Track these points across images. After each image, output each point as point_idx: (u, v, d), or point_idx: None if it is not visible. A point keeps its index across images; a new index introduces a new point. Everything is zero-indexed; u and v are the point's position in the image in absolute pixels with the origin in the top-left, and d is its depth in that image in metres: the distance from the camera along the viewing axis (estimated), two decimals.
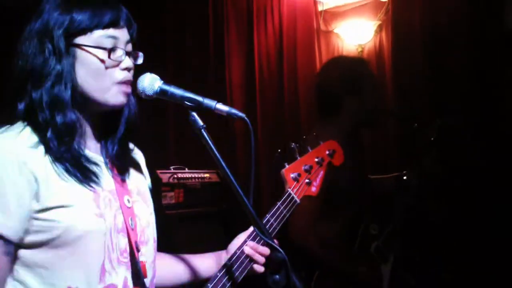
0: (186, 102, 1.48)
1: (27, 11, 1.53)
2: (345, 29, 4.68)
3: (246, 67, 5.00)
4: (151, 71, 1.53)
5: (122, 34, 1.51)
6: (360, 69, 3.03)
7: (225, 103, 1.49)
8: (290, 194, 1.88)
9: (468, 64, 3.72)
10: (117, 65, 1.49)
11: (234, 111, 1.47)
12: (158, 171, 3.86)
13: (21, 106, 1.45)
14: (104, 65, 1.46)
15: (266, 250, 1.71)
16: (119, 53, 1.48)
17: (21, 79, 1.45)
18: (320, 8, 4.75)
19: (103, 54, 1.46)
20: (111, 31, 1.47)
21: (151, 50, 1.62)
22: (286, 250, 1.44)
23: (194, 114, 1.47)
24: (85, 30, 1.45)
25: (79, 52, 1.45)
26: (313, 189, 1.97)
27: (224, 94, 4.94)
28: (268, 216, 1.81)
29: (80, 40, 1.45)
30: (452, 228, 3.55)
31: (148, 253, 1.60)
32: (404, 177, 3.06)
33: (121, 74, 1.49)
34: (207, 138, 1.46)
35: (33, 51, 1.45)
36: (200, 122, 1.47)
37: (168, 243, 1.78)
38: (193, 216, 4.05)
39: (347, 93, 2.92)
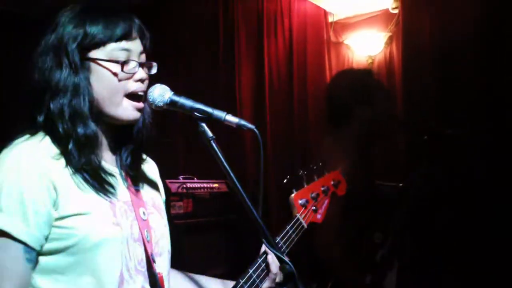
0: (196, 113, 1.48)
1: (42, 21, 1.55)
2: (355, 40, 4.68)
3: (256, 78, 5.02)
4: (161, 82, 1.54)
5: (135, 46, 1.52)
6: (369, 79, 3.07)
7: (234, 114, 1.50)
8: (298, 219, 1.94)
9: (478, 75, 3.71)
10: (131, 77, 1.50)
11: (243, 122, 1.48)
12: (167, 181, 3.86)
13: (40, 118, 1.47)
14: (117, 78, 1.48)
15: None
16: (132, 65, 1.50)
17: (39, 92, 1.47)
18: (330, 19, 4.77)
19: (116, 67, 1.48)
20: (123, 44, 1.49)
21: (161, 61, 1.62)
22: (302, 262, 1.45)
23: (204, 125, 1.48)
24: (99, 44, 1.47)
25: (93, 65, 1.47)
26: (318, 216, 2.05)
27: (234, 105, 4.95)
28: (278, 238, 1.84)
29: (93, 54, 1.47)
30: (454, 232, 3.54)
31: (163, 264, 1.61)
32: (401, 184, 3.07)
33: (134, 86, 1.51)
34: (217, 149, 1.46)
35: (49, 64, 1.47)
36: (210, 133, 1.47)
37: (177, 253, 1.78)
38: (201, 226, 4.06)
39: (357, 102, 2.94)
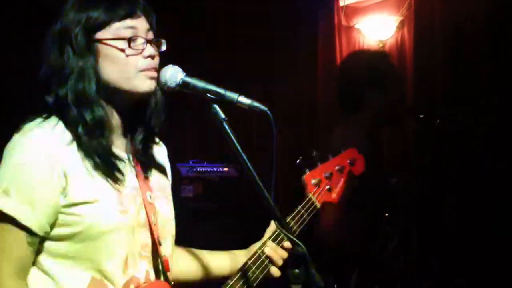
0: (208, 95, 1.47)
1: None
2: (367, 25, 4.65)
3: (267, 61, 4.99)
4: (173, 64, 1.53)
5: (141, 23, 1.51)
6: (382, 61, 2.97)
7: (245, 96, 1.48)
8: (310, 199, 1.90)
9: (489, 59, 3.68)
10: (140, 53, 1.48)
11: (256, 104, 1.46)
12: (178, 164, 3.87)
13: (51, 103, 1.47)
14: (124, 54, 1.46)
15: (285, 254, 1.72)
16: (139, 41, 1.48)
17: (47, 80, 1.48)
18: (341, 3, 4.73)
19: (123, 44, 1.46)
20: (128, 22, 1.48)
21: (170, 43, 1.61)
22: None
23: (216, 106, 1.47)
24: (103, 24, 1.46)
25: (100, 46, 1.46)
26: (334, 195, 1.99)
27: (241, 89, 4.91)
28: (288, 218, 1.81)
29: (99, 35, 1.46)
30: (463, 230, 3.53)
31: (167, 248, 1.61)
32: (394, 180, 3.03)
33: (144, 62, 1.49)
34: (229, 131, 1.45)
35: (54, 52, 1.47)
36: (222, 115, 1.46)
37: (186, 236, 1.78)
38: (211, 210, 4.07)
39: (369, 85, 2.84)
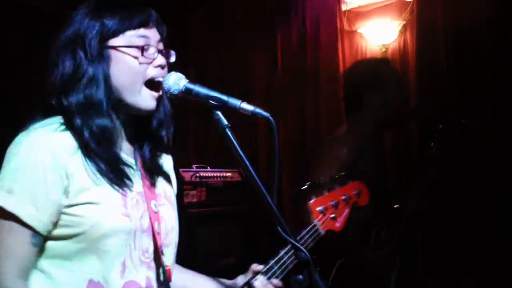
0: (211, 101, 1.48)
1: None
2: (369, 29, 4.64)
3: (269, 66, 4.99)
4: (176, 70, 1.54)
5: (153, 34, 1.55)
6: (383, 68, 3.11)
7: (248, 103, 1.49)
8: (315, 225, 1.95)
9: (492, 63, 3.67)
10: (150, 63, 1.52)
11: (258, 110, 1.47)
12: (181, 170, 3.87)
13: (58, 107, 1.49)
14: (137, 61, 1.50)
15: None
16: (151, 50, 1.52)
17: (57, 84, 1.49)
18: (344, 7, 4.72)
19: (136, 52, 1.50)
20: (141, 31, 1.52)
21: (174, 50, 1.63)
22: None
23: (219, 113, 1.48)
24: (117, 32, 1.49)
25: (113, 53, 1.49)
26: (337, 224, 2.03)
27: (247, 93, 4.94)
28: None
29: (113, 42, 1.50)
30: (471, 231, 3.53)
31: (169, 256, 1.62)
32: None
33: (154, 71, 1.53)
34: (232, 137, 1.46)
35: (65, 57, 1.49)
36: (225, 121, 1.47)
37: (189, 241, 1.78)
38: (214, 215, 4.06)
39: (369, 89, 2.99)
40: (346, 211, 2.06)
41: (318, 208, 1.97)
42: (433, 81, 4.04)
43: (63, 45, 1.51)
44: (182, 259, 1.78)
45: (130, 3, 1.55)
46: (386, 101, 2.99)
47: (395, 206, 3.04)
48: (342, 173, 2.12)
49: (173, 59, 1.60)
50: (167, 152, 1.74)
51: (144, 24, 1.53)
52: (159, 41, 1.57)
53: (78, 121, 1.45)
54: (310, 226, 1.93)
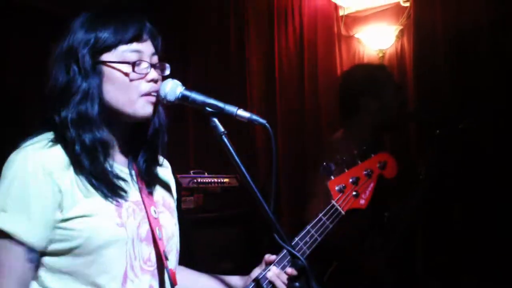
0: (207, 108, 1.48)
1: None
2: (366, 34, 4.65)
3: (267, 71, 5.00)
4: (173, 77, 1.54)
5: (146, 47, 1.54)
6: (380, 72, 3.13)
7: (245, 109, 1.49)
8: (333, 205, 1.87)
9: (490, 68, 3.68)
10: (143, 78, 1.51)
11: (255, 117, 1.47)
12: (178, 176, 3.87)
13: (51, 122, 1.48)
14: (128, 78, 1.49)
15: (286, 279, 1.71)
16: (143, 65, 1.51)
17: (51, 98, 1.49)
18: (341, 12, 4.74)
19: (127, 68, 1.49)
20: (134, 45, 1.50)
21: (172, 56, 1.63)
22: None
23: (215, 120, 1.48)
24: (110, 47, 1.48)
25: (105, 68, 1.48)
26: (362, 201, 1.94)
27: (244, 99, 4.94)
28: (308, 227, 1.80)
29: (105, 57, 1.49)
30: (471, 230, 3.53)
31: (172, 262, 1.62)
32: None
33: (147, 86, 1.52)
34: (228, 144, 1.46)
35: (60, 71, 1.49)
36: (221, 128, 1.47)
37: (187, 247, 1.78)
38: (212, 221, 4.06)
39: (366, 93, 2.98)
40: (371, 185, 1.96)
41: (336, 187, 1.88)
42: (430, 85, 4.04)
43: (58, 58, 1.51)
44: (180, 264, 1.77)
45: (125, 13, 1.53)
46: (383, 105, 2.99)
47: (385, 214, 3.02)
48: (364, 148, 2.02)
49: (167, 72, 1.58)
50: (162, 161, 1.73)
51: (137, 38, 1.51)
52: (153, 54, 1.55)
53: (70, 135, 1.45)
54: (328, 207, 1.85)
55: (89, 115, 1.46)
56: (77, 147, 1.44)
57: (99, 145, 1.47)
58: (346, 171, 1.93)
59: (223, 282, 1.80)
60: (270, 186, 1.56)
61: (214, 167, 4.26)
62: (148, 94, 1.51)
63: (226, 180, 4.22)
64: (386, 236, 2.95)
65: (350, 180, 1.92)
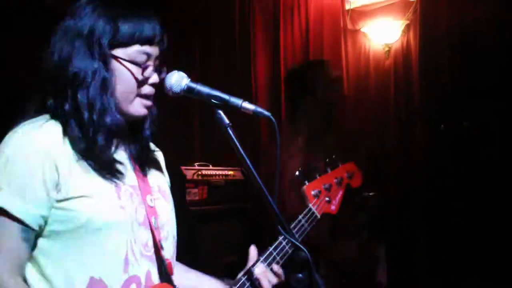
0: (213, 100, 1.49)
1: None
2: (372, 28, 4.65)
3: (272, 65, 5.00)
4: (179, 69, 1.55)
5: (155, 51, 1.54)
6: (311, 70, 3.25)
7: (250, 102, 1.50)
8: (311, 209, 1.96)
9: (495, 63, 3.67)
10: (146, 81, 1.53)
11: (260, 109, 1.48)
12: (183, 168, 3.88)
13: (65, 106, 1.47)
14: (134, 79, 1.50)
15: (273, 278, 1.73)
16: (149, 69, 1.53)
17: (60, 77, 1.48)
18: (347, 6, 4.73)
19: (137, 70, 1.50)
20: (146, 48, 1.51)
21: (178, 49, 1.63)
22: None
23: (220, 112, 1.48)
24: (125, 43, 1.49)
25: (114, 63, 1.49)
26: (332, 207, 2.07)
27: (250, 93, 4.94)
28: (290, 227, 1.83)
29: (117, 52, 1.49)
30: (472, 231, 3.54)
31: (168, 249, 1.61)
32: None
33: (147, 89, 1.54)
34: (233, 136, 1.47)
35: (78, 53, 1.47)
36: (226, 120, 1.48)
37: (191, 239, 1.79)
38: (216, 213, 4.07)
39: (301, 93, 3.16)
40: (340, 193, 2.10)
41: (312, 192, 2.00)
42: (436, 80, 4.04)
43: (70, 37, 1.49)
44: (184, 257, 1.78)
45: (144, 9, 1.53)
46: (322, 101, 3.15)
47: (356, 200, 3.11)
48: (333, 157, 2.14)
49: (163, 75, 1.57)
50: (154, 147, 1.75)
51: (151, 41, 1.52)
52: (157, 58, 1.56)
53: (87, 120, 1.45)
54: (306, 210, 1.95)
55: (108, 102, 1.47)
56: (92, 131, 1.45)
57: (118, 128, 1.49)
58: (318, 177, 2.05)
59: (223, 285, 1.81)
60: (274, 179, 1.57)
61: (219, 160, 4.27)
62: (145, 96, 1.54)
63: (230, 172, 4.23)
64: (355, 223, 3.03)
65: (323, 186, 2.05)
